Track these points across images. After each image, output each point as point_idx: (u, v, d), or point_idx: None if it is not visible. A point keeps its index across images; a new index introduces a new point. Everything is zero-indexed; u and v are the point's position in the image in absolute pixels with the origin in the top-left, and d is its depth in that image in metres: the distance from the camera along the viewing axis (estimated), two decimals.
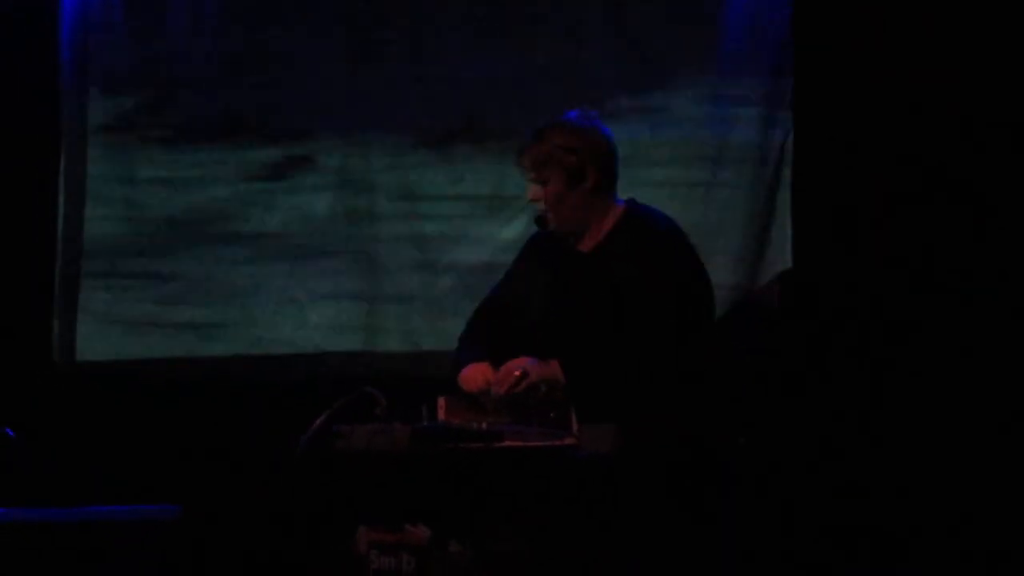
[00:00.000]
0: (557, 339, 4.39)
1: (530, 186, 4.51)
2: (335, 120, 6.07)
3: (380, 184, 6.06)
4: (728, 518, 4.37)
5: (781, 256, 5.87)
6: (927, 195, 5.77)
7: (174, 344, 6.06)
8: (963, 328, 5.70)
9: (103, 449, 5.91)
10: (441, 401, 4.35)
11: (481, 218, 6.00)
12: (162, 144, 6.13)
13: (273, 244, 6.08)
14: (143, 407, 5.96)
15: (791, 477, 5.65)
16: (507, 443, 4.12)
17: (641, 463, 4.17)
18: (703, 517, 4.29)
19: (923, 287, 5.76)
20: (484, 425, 4.18)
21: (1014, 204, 5.71)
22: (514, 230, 5.79)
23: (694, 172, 5.92)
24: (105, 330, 6.09)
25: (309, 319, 6.05)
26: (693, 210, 5.78)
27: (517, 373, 4.29)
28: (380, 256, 6.04)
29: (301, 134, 6.09)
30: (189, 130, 6.12)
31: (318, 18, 6.09)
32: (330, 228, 6.07)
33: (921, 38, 5.76)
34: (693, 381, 4.30)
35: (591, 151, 4.46)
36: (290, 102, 6.08)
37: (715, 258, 5.56)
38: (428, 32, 6.06)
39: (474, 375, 4.41)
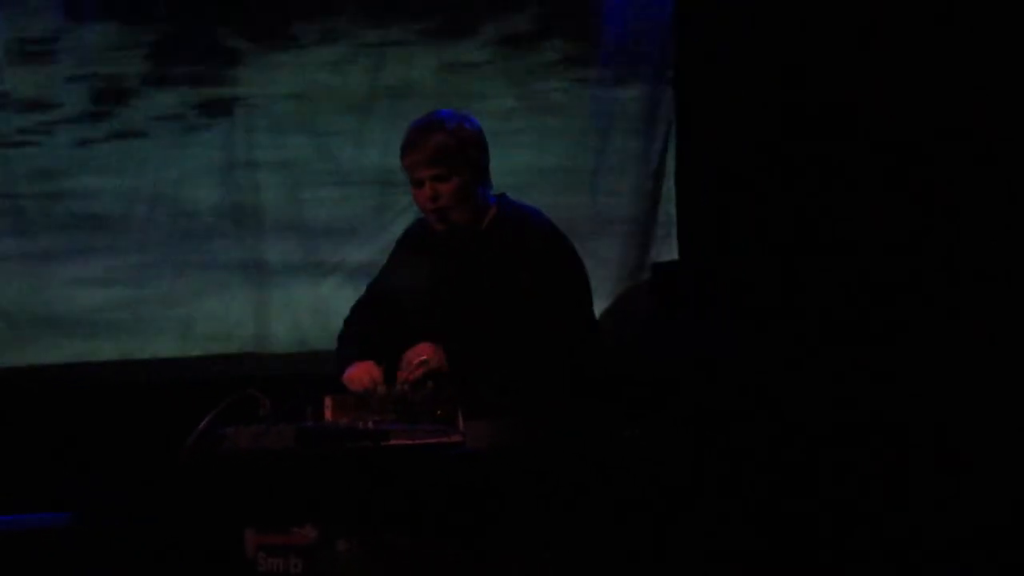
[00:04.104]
0: (437, 335, 4.39)
1: (427, 185, 4.41)
2: None
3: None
4: (615, 511, 4.40)
5: (667, 249, 5.93)
6: (811, 192, 5.85)
7: (59, 349, 6.00)
8: (849, 322, 5.79)
9: None
10: (328, 400, 4.34)
11: (368, 215, 6.00)
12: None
13: (159, 246, 6.04)
14: (27, 414, 5.89)
15: (675, 470, 5.69)
16: (393, 441, 4.12)
17: (527, 458, 4.19)
18: (591, 511, 4.32)
19: (806, 281, 5.84)
20: (370, 424, 4.18)
21: (902, 200, 5.79)
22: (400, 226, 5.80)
23: (577, 170, 5.96)
24: None
25: (196, 320, 6.01)
26: (577, 206, 5.83)
27: (420, 359, 4.29)
28: (267, 254, 6.02)
29: None
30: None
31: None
32: (216, 225, 6.03)
33: (803, 38, 5.83)
34: (575, 375, 4.32)
35: (486, 147, 4.47)
36: None
37: (597, 254, 5.62)
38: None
39: (360, 374, 4.40)
